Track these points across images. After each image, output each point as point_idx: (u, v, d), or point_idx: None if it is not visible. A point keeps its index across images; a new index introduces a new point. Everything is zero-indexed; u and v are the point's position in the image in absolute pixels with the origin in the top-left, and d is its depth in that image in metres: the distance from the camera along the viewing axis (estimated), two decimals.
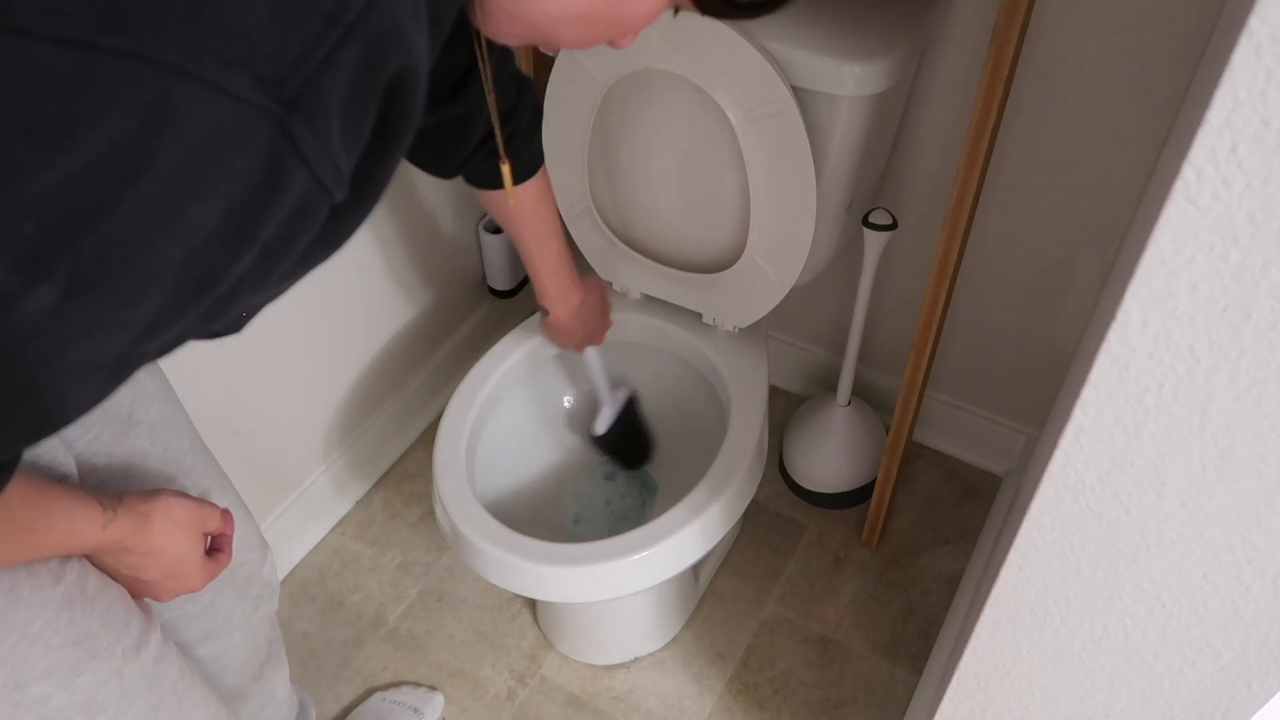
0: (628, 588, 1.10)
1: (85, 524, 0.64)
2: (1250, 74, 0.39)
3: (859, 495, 1.55)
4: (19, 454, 0.51)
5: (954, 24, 1.18)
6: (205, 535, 0.74)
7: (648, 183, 1.23)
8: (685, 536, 1.07)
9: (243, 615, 0.92)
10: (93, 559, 0.69)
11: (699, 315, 1.30)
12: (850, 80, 1.03)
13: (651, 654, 1.40)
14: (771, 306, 1.23)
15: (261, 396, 1.32)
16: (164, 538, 0.70)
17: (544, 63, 1.33)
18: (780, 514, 1.57)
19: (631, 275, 1.32)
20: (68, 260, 0.40)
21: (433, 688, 1.38)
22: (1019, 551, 0.64)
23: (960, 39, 1.18)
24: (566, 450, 1.37)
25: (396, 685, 1.39)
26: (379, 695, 1.36)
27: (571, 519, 1.35)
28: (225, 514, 0.77)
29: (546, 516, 1.31)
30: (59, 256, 0.39)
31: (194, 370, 1.06)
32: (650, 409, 1.36)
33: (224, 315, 0.50)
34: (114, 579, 0.71)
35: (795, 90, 1.04)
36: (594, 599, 1.17)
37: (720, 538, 1.13)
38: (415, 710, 1.33)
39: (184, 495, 0.73)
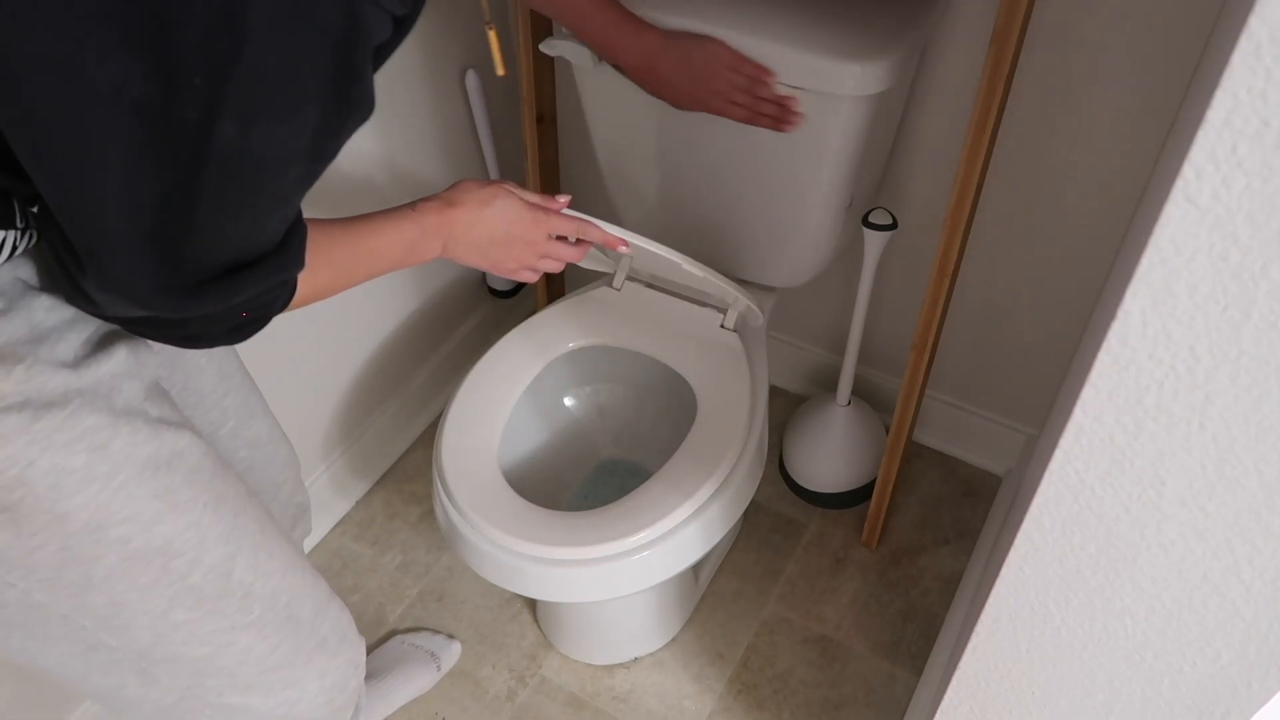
0: (628, 588, 1.10)
1: (400, 218, 0.79)
2: (1250, 74, 0.39)
3: (859, 495, 1.55)
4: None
5: (954, 24, 1.18)
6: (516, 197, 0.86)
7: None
8: (685, 536, 1.07)
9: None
10: (449, 256, 0.83)
11: (701, 314, 1.30)
12: (850, 80, 1.03)
13: (651, 654, 1.40)
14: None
15: None
16: (471, 198, 0.83)
17: (544, 61, 1.33)
18: (780, 514, 1.57)
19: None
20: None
21: (451, 636, 1.42)
22: (1019, 551, 0.64)
23: (960, 39, 1.18)
24: (566, 450, 1.37)
25: (416, 630, 1.43)
26: (399, 638, 1.41)
27: None
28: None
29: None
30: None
31: None
32: (651, 409, 1.36)
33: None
34: (480, 267, 0.87)
35: (795, 90, 1.04)
36: (594, 599, 1.17)
37: (720, 538, 1.13)
38: (432, 655, 1.37)
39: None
